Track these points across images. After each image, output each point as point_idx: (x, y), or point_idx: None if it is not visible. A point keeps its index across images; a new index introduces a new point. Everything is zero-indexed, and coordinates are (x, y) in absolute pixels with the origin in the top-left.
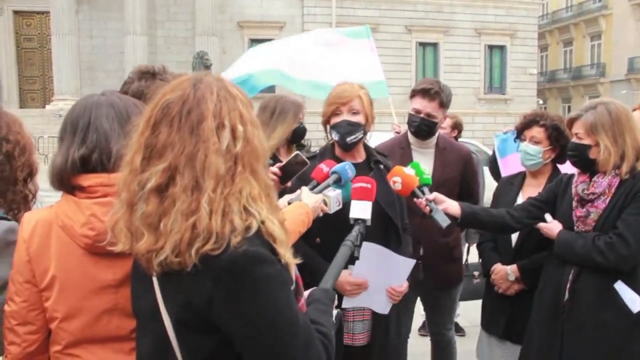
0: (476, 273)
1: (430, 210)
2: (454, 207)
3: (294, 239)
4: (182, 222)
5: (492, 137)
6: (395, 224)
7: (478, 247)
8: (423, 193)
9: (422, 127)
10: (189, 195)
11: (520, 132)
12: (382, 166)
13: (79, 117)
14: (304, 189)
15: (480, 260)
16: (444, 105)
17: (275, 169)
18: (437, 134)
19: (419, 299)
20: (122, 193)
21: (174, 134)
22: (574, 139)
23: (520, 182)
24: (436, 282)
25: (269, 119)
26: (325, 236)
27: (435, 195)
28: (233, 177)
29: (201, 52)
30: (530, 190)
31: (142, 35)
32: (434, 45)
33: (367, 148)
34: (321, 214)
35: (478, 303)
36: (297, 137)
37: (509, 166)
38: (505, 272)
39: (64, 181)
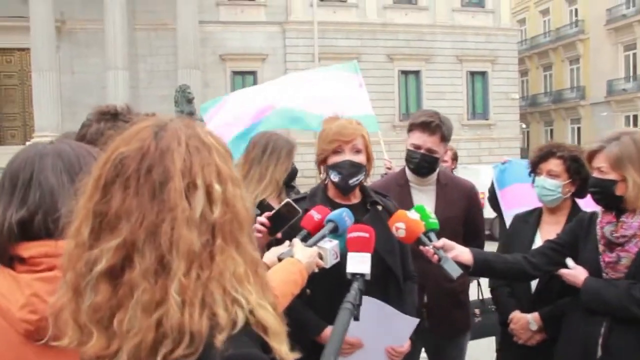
0: (477, 311)
1: (439, 259)
2: (464, 254)
3: (285, 304)
4: (142, 319)
5: (477, 162)
6: (395, 274)
7: (492, 292)
8: (430, 240)
9: (423, 164)
10: (151, 282)
11: (535, 166)
12: (380, 207)
13: (18, 171)
14: (296, 242)
15: (495, 307)
16: (445, 139)
17: (263, 218)
18: (437, 170)
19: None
20: (68, 273)
21: (129, 199)
22: (596, 174)
23: (536, 220)
24: (442, 331)
25: (261, 156)
26: (317, 288)
27: (444, 241)
28: (212, 255)
29: (183, 86)
30: (549, 229)
31: (123, 70)
32: (416, 73)
33: (363, 188)
34: (317, 270)
35: (480, 342)
36: (289, 178)
37: (508, 198)
38: (526, 321)
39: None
